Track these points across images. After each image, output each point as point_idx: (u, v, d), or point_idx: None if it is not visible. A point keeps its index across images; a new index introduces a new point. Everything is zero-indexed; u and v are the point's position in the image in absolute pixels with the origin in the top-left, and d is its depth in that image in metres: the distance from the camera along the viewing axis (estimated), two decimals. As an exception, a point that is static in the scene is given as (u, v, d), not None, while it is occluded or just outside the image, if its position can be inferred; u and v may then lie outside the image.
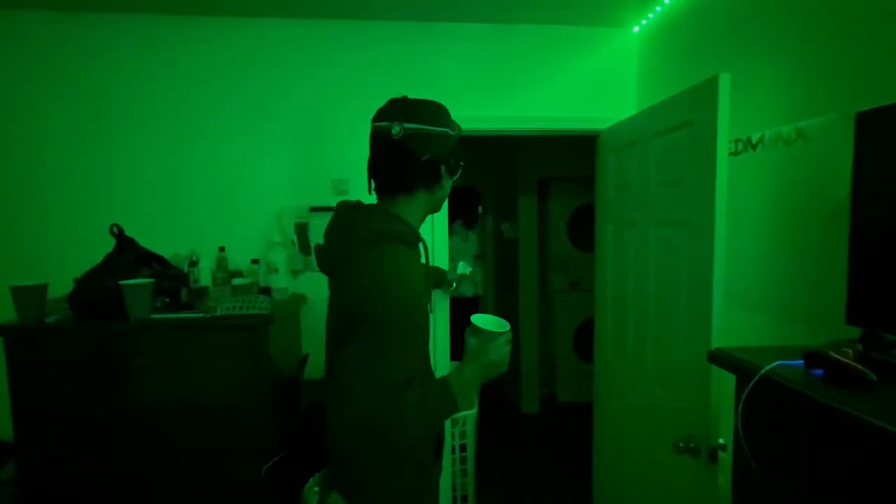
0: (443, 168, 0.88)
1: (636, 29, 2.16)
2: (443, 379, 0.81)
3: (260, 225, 1.93)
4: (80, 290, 1.59)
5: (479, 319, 0.86)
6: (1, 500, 1.67)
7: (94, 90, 1.90)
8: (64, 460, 1.59)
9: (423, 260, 0.89)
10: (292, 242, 2.01)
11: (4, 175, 1.88)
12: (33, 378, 1.57)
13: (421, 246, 0.89)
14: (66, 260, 1.77)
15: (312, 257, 2.01)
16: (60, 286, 1.71)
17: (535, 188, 3.73)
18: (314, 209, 2.03)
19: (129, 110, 1.90)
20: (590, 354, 2.68)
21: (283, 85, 1.99)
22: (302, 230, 2.01)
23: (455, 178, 0.92)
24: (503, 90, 2.08)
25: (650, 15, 2.04)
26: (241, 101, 1.96)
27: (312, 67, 1.99)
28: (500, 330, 0.86)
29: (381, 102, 1.97)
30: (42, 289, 1.63)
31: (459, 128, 0.91)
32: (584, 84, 2.13)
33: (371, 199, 0.96)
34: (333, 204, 1.90)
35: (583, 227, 3.73)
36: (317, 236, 2.01)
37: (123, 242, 1.68)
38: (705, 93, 1.28)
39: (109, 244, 1.67)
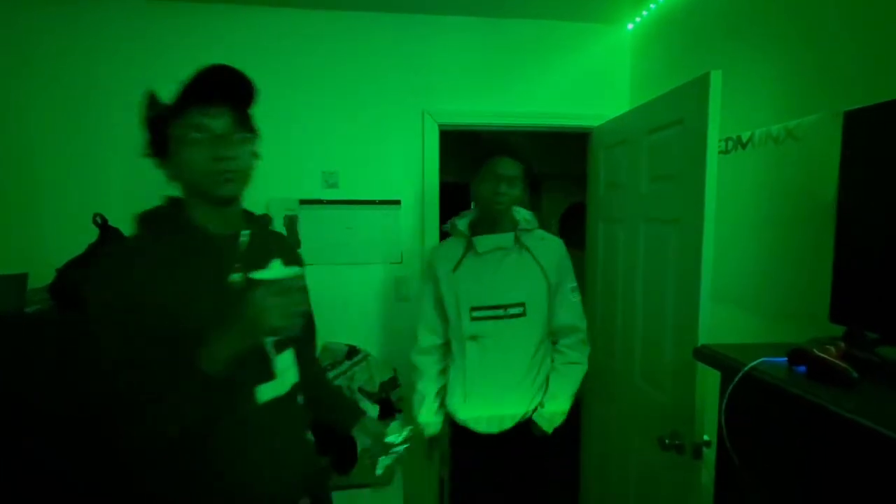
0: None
1: (630, 26, 2.15)
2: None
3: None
4: (60, 280, 1.57)
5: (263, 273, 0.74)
6: None
7: (84, 77, 1.86)
8: (45, 455, 1.54)
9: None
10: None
11: None
12: (12, 369, 1.54)
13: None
14: (51, 250, 1.71)
15: (300, 249, 2.01)
16: (45, 276, 1.67)
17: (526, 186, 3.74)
18: (304, 202, 2.03)
19: (119, 98, 1.86)
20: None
21: (272, 76, 1.97)
22: (291, 222, 2.01)
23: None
24: (496, 85, 2.07)
25: (644, 12, 2.04)
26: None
27: (300, 58, 1.97)
28: (273, 276, 0.73)
29: (371, 94, 1.99)
30: (22, 278, 1.59)
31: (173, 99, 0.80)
32: (577, 81, 2.13)
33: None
34: (323, 197, 2.03)
35: (575, 225, 3.73)
36: (306, 228, 2.02)
37: (107, 232, 1.63)
38: (697, 90, 1.28)
39: (94, 234, 1.63)
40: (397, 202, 2.05)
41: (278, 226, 1.98)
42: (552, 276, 1.42)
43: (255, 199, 1.81)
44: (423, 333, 1.48)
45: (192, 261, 0.78)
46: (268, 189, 1.98)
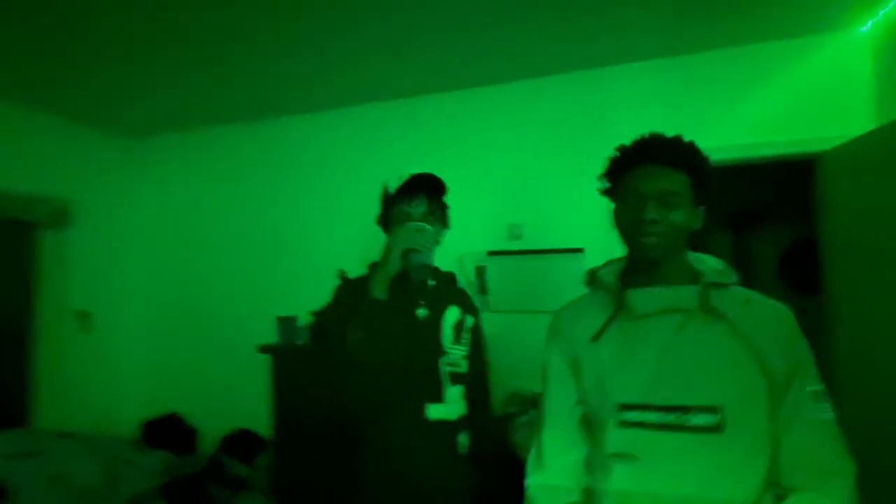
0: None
1: (866, 27, 1.78)
2: None
3: (446, 267, 2.13)
4: (315, 322, 1.91)
5: None
6: (257, 482, 2.11)
7: (330, 172, 2.42)
8: (308, 458, 1.90)
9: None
10: (473, 284, 2.13)
11: (273, 237, 2.52)
12: (288, 386, 2.02)
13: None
14: (311, 298, 2.05)
15: (488, 297, 2.12)
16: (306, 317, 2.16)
17: (725, 223, 3.25)
18: (491, 253, 2.14)
19: (350, 187, 2.37)
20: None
21: (462, 145, 2.21)
22: (480, 272, 2.13)
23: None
24: (687, 123, 1.90)
25: (880, 12, 1.66)
26: (441, 157, 2.22)
27: (485, 123, 2.19)
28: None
29: (551, 150, 2.07)
30: (293, 320, 2.14)
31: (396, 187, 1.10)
32: (790, 103, 1.84)
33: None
34: (508, 248, 2.11)
35: (800, 267, 3.04)
36: (494, 279, 2.12)
37: (346, 282, 1.98)
38: None
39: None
40: (580, 250, 2.03)
41: (470, 275, 2.13)
42: (774, 365, 0.77)
43: (449, 253, 2.03)
44: (550, 443, 0.87)
45: (395, 298, 1.02)
46: (460, 243, 2.07)
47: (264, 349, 2.11)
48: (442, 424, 1.07)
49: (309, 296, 1.96)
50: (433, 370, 1.08)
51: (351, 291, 1.06)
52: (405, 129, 2.30)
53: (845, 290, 1.64)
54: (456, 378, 1.10)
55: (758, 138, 1.86)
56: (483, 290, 2.13)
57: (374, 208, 1.19)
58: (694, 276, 0.83)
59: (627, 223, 0.82)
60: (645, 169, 0.81)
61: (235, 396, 2.44)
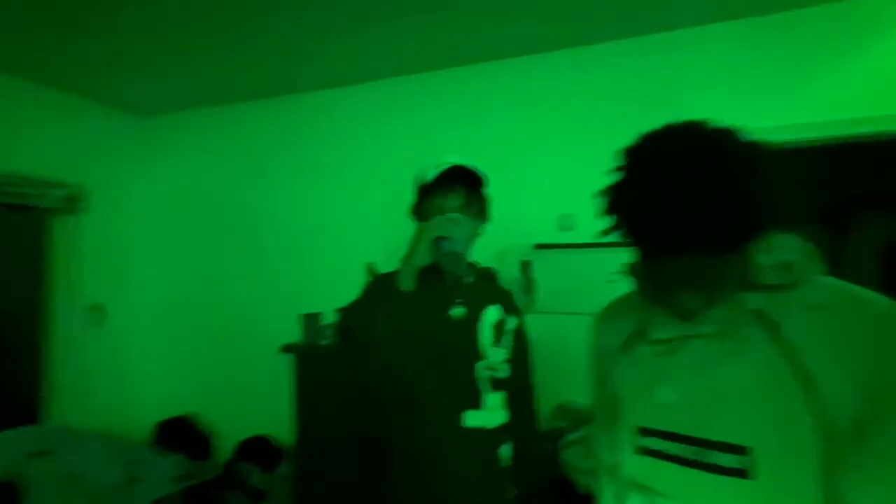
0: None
1: None
2: None
3: (486, 263, 2.10)
4: (341, 319, 1.94)
5: None
6: (278, 491, 2.15)
7: (357, 158, 2.39)
8: (333, 468, 1.91)
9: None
10: (517, 282, 2.08)
11: (296, 225, 2.51)
12: (311, 389, 2.02)
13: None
14: (337, 294, 2.03)
15: (534, 297, 2.07)
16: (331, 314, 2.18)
17: (816, 216, 3.08)
18: (539, 246, 2.08)
19: (378, 172, 2.36)
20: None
21: (505, 123, 2.13)
22: (525, 268, 2.09)
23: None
24: (760, 96, 1.84)
25: None
26: (482, 137, 2.17)
27: (530, 97, 2.11)
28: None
29: (609, 127, 1.98)
30: (316, 317, 2.14)
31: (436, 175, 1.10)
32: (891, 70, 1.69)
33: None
34: (558, 241, 2.05)
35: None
36: (541, 275, 2.07)
37: (376, 278, 1.93)
38: None
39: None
40: (641, 243, 1.96)
41: (513, 271, 2.08)
42: (842, 399, 0.62)
43: (490, 247, 1.95)
44: (602, 445, 0.87)
45: (427, 293, 1.04)
46: (503, 236, 1.99)
47: (287, 348, 2.13)
48: (481, 433, 1.07)
49: (336, 291, 1.96)
50: (470, 374, 1.08)
51: (380, 286, 1.07)
52: (441, 104, 2.26)
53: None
54: (496, 384, 1.11)
55: (856, 113, 1.73)
56: (528, 288, 2.09)
57: (409, 195, 1.20)
58: (750, 276, 0.69)
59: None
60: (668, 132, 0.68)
61: (254, 399, 2.46)
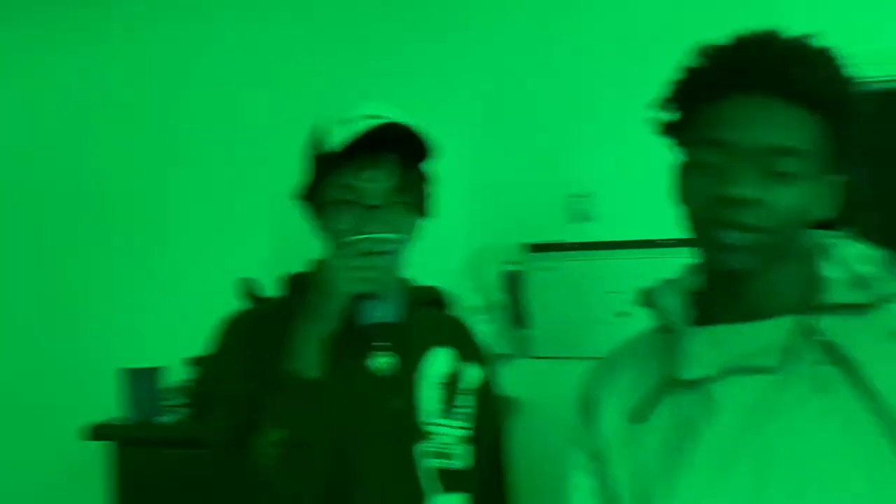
0: None
1: None
2: None
3: (441, 278, 1.83)
4: (197, 379, 1.71)
5: None
6: None
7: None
8: None
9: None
10: (498, 307, 1.88)
11: (122, 222, 2.15)
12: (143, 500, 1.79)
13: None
14: (189, 334, 1.83)
15: (530, 332, 1.87)
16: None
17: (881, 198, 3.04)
18: (536, 248, 1.85)
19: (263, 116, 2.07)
20: None
21: (467, 46, 1.92)
22: (514, 285, 1.85)
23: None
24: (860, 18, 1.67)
25: None
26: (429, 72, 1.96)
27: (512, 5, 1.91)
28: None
29: (648, 63, 1.74)
30: (153, 374, 1.81)
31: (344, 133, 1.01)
32: None
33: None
34: (569, 238, 1.86)
35: None
36: (540, 294, 1.84)
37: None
38: None
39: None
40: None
41: (491, 290, 1.88)
42: None
43: (449, 246, 1.85)
44: None
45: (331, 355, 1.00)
46: (474, 228, 1.88)
47: (99, 431, 1.84)
48: None
49: (185, 327, 1.76)
50: (404, 467, 1.03)
51: (260, 340, 1.03)
52: (357, 21, 2.04)
53: None
54: (450, 480, 1.05)
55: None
56: (519, 317, 1.86)
57: (294, 169, 1.11)
58: (808, 292, 0.74)
59: (701, 203, 0.72)
60: (744, 102, 0.70)
61: None
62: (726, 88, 0.69)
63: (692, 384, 0.71)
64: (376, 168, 0.99)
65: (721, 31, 0.73)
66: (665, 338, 0.77)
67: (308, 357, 0.94)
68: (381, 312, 1.06)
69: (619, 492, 0.78)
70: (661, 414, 0.75)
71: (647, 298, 0.82)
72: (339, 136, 0.97)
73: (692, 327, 0.75)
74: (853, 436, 0.65)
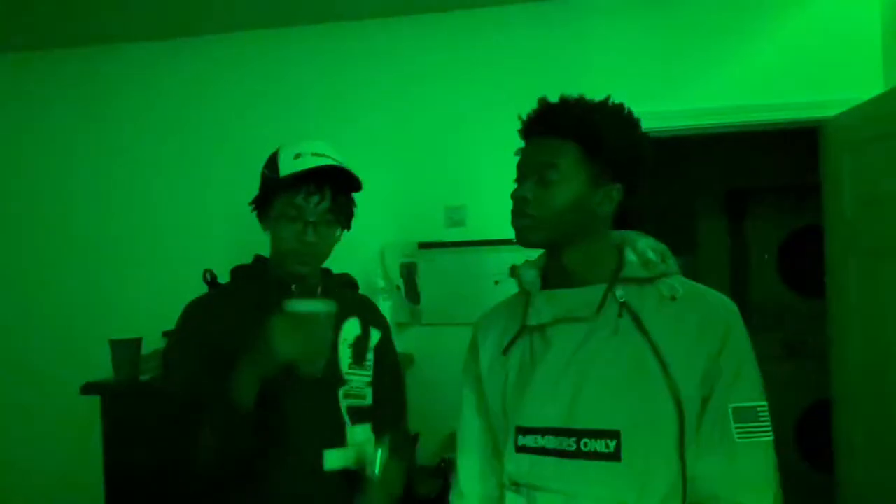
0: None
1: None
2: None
3: (358, 267, 1.97)
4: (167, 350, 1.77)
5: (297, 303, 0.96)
6: None
7: (183, 126, 2.30)
8: None
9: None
10: (398, 288, 2.13)
11: (107, 221, 2.35)
12: (127, 441, 1.90)
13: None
14: (165, 312, 1.95)
15: (420, 306, 2.13)
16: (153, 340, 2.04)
17: (721, 206, 3.54)
18: (423, 245, 2.11)
19: (218, 147, 2.28)
20: (824, 459, 2.36)
21: (381, 92, 2.13)
22: (409, 272, 2.12)
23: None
24: (671, 78, 2.03)
25: None
26: (349, 106, 2.16)
27: (419, 68, 2.13)
28: (304, 308, 0.94)
29: (505, 107, 1.86)
30: (136, 343, 1.96)
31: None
32: (792, 59, 1.99)
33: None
34: (445, 238, 2.09)
35: (803, 260, 3.39)
36: (427, 279, 2.11)
37: (216, 289, 1.77)
38: None
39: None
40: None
41: (394, 275, 2.14)
42: (689, 381, 0.84)
43: (366, 243, 2.09)
44: (464, 473, 1.04)
45: (266, 309, 1.01)
46: (381, 231, 2.09)
47: (89, 388, 1.96)
48: (345, 476, 1.09)
49: (161, 304, 1.83)
50: (328, 405, 1.10)
51: (206, 325, 1.08)
52: (304, 63, 2.24)
53: (850, 289, 1.79)
54: (359, 414, 1.13)
55: (752, 100, 1.99)
56: (413, 295, 2.13)
57: (253, 172, 1.16)
58: (616, 269, 0.91)
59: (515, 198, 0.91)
60: (531, 141, 0.91)
61: (47, 462, 2.29)
62: (528, 134, 0.91)
63: (536, 329, 0.90)
64: (317, 194, 1.08)
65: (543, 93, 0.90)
66: (524, 299, 0.95)
67: (246, 392, 0.96)
68: (310, 289, 1.15)
69: (491, 404, 0.96)
70: (518, 349, 0.92)
71: (514, 272, 0.98)
72: (290, 168, 1.07)
73: (540, 291, 0.93)
74: (636, 363, 0.83)
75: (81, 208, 2.39)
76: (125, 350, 1.97)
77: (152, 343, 2.05)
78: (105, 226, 2.37)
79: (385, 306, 2.01)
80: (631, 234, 0.94)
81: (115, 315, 2.26)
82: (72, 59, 2.39)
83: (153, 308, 2.08)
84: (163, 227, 2.33)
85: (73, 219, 2.40)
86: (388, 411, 1.21)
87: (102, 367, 2.03)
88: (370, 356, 1.19)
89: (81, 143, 2.39)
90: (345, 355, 1.15)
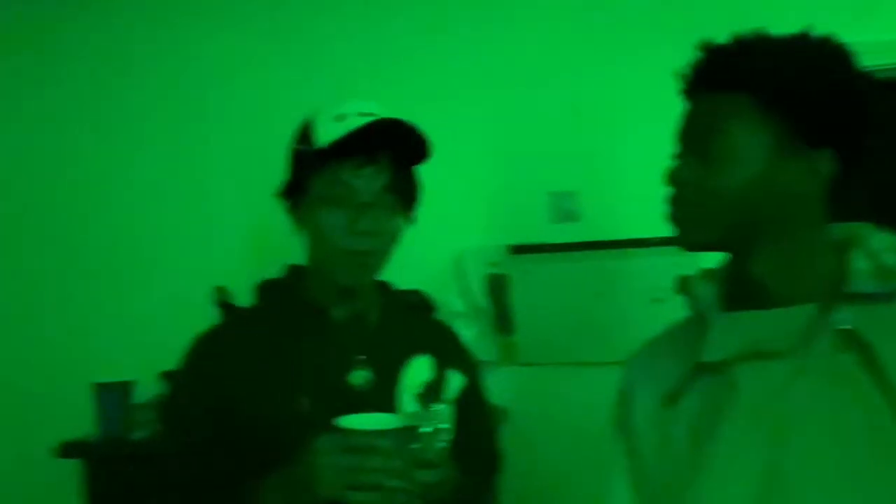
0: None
1: None
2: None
3: (424, 282, 1.66)
4: (169, 396, 1.62)
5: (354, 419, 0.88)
6: None
7: (176, 90, 2.10)
8: None
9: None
10: (482, 311, 1.87)
11: (94, 228, 2.10)
12: None
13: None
14: (161, 345, 1.74)
15: (515, 337, 1.86)
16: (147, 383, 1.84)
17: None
18: (517, 249, 1.83)
19: (226, 121, 2.08)
20: None
21: (450, 35, 1.92)
22: (497, 286, 1.84)
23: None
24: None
25: None
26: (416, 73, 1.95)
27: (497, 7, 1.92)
28: (355, 426, 0.87)
29: (647, 48, 1.82)
30: (125, 388, 1.78)
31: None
32: None
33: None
34: (553, 239, 1.86)
35: None
36: (524, 297, 1.83)
37: (232, 314, 1.63)
38: None
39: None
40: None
41: (475, 293, 1.88)
42: None
43: (437, 250, 1.88)
44: None
45: (302, 346, 1.00)
46: (458, 232, 1.88)
47: (69, 449, 1.80)
48: None
49: (154, 332, 1.85)
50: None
51: (217, 369, 1.00)
52: (350, 23, 2.02)
53: None
54: (431, 490, 1.02)
55: None
56: (503, 321, 1.85)
57: (276, 164, 1.07)
58: (834, 282, 0.75)
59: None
60: (692, 99, 0.80)
61: None
62: (694, 82, 0.76)
63: (716, 368, 0.73)
64: (371, 164, 0.96)
65: (709, 31, 0.75)
66: (698, 325, 0.80)
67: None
68: (358, 315, 1.04)
69: (648, 472, 0.80)
70: (690, 398, 0.76)
71: (684, 285, 0.85)
72: (332, 133, 0.95)
73: (720, 314, 0.77)
74: (867, 424, 0.64)
75: (40, 203, 2.18)
76: (112, 396, 1.81)
77: (147, 388, 1.87)
78: (77, 230, 2.13)
79: (466, 336, 1.71)
80: (859, 228, 0.75)
81: (97, 349, 2.05)
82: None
83: (146, 338, 1.95)
84: (154, 229, 2.10)
85: (48, 227, 2.18)
86: (472, 487, 1.10)
87: (83, 418, 1.88)
88: (446, 410, 1.06)
89: (63, 129, 2.20)
90: (409, 409, 1.05)
